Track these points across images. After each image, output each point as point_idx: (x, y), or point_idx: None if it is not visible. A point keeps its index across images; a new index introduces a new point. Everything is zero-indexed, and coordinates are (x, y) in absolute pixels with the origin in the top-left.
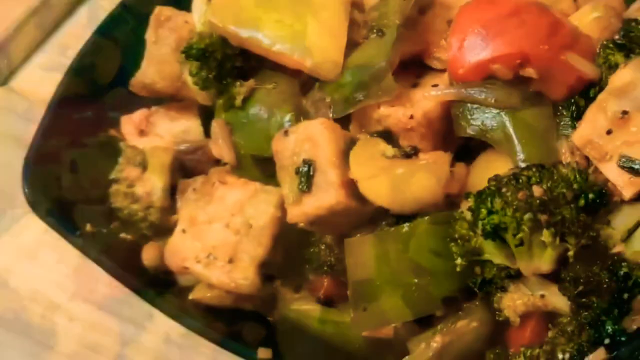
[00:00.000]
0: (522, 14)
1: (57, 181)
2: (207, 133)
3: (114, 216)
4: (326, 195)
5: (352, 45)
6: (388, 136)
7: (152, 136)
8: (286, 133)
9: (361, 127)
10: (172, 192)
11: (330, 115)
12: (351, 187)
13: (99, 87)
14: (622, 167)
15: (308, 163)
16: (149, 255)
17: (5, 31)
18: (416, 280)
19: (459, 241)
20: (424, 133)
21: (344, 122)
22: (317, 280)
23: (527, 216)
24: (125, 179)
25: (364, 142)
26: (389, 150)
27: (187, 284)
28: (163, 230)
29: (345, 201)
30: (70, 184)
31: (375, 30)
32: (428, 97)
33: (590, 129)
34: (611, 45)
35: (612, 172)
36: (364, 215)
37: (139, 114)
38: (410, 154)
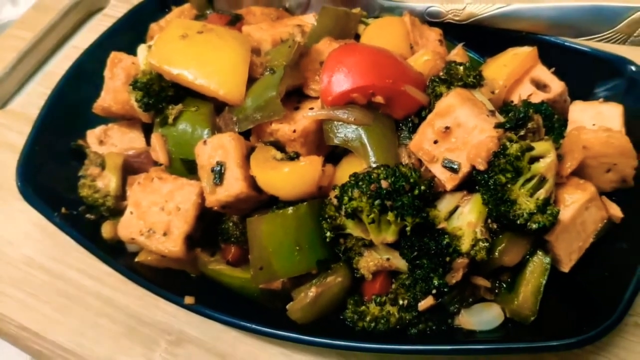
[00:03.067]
0: (373, 57)
1: (41, 177)
2: (148, 142)
3: (81, 202)
4: (233, 187)
5: (252, 79)
6: (277, 145)
7: (109, 145)
8: (205, 142)
9: (258, 138)
10: (123, 184)
11: (236, 129)
12: (251, 181)
13: (71, 109)
14: (445, 167)
15: (220, 164)
16: (106, 230)
17: (3, 70)
18: (297, 248)
19: (328, 220)
20: (303, 142)
21: (246, 134)
22: (227, 247)
23: (377, 202)
24: (90, 175)
25: (261, 149)
26: (278, 154)
27: (134, 251)
28: (117, 212)
29: (247, 191)
30: (50, 179)
31: (268, 69)
32: (306, 117)
33: (422, 139)
34: (437, 80)
35: (438, 171)
36: (261, 201)
37: (99, 129)
38: (294, 157)
